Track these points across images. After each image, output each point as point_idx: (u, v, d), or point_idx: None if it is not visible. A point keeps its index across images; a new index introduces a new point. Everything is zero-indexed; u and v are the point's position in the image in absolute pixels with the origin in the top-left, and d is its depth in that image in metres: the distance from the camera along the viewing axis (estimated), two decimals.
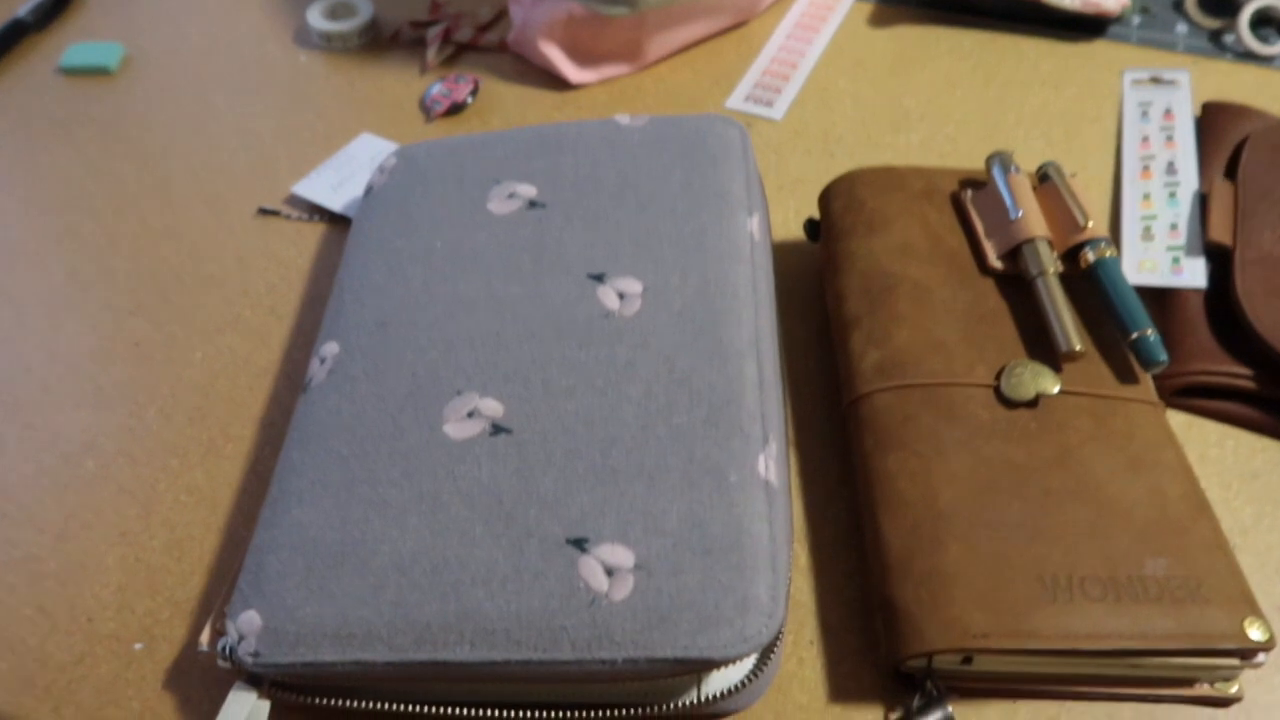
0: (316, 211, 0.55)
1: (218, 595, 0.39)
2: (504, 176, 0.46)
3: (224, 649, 0.34)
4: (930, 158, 0.55)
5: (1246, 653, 0.32)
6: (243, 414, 0.46)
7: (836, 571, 0.39)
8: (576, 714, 0.34)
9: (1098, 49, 0.61)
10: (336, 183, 0.56)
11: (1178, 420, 0.43)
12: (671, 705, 0.33)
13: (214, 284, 0.52)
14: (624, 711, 0.33)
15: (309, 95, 0.63)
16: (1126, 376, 0.40)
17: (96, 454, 0.44)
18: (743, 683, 0.33)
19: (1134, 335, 0.39)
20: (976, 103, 0.59)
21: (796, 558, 0.39)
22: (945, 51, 0.62)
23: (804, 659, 0.36)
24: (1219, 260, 0.46)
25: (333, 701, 0.34)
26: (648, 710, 0.33)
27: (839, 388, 0.44)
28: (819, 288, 0.49)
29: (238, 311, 0.50)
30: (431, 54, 0.64)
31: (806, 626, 0.37)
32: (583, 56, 0.61)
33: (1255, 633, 0.32)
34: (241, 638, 0.33)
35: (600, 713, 0.33)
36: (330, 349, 0.41)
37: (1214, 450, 0.42)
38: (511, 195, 0.45)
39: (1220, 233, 0.46)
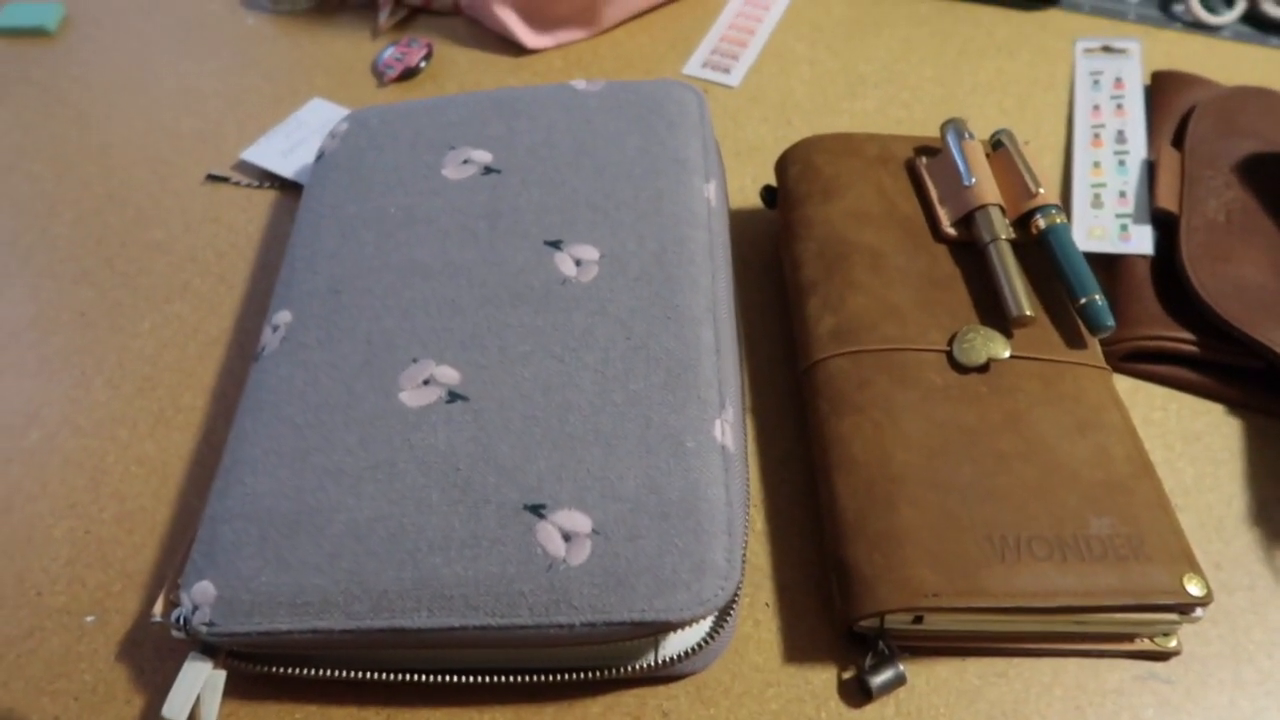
0: (267, 178, 0.54)
1: (170, 567, 0.39)
2: (459, 142, 0.45)
3: (178, 619, 0.33)
4: (886, 124, 0.56)
5: (1185, 608, 0.33)
6: (193, 384, 0.45)
7: (793, 535, 0.39)
8: (536, 678, 0.34)
9: (1051, 17, 0.62)
10: (287, 148, 0.54)
11: (1124, 384, 0.44)
12: (630, 667, 0.34)
13: (161, 251, 0.50)
14: (583, 674, 0.34)
15: (257, 59, 0.61)
16: (1075, 341, 0.40)
17: (41, 425, 0.43)
18: (700, 645, 0.34)
19: (1082, 300, 0.40)
20: (932, 69, 0.59)
21: (753, 522, 0.40)
22: (902, 18, 0.62)
23: (760, 621, 0.37)
24: (1165, 227, 0.47)
25: (289, 670, 0.34)
26: (607, 673, 0.34)
27: (796, 353, 0.44)
28: (777, 255, 0.49)
29: (186, 279, 0.49)
30: (383, 17, 0.62)
31: (763, 589, 0.38)
32: (538, 20, 0.60)
33: (1194, 588, 0.33)
34: (196, 608, 0.33)
35: (559, 676, 0.34)
36: (283, 317, 0.40)
37: (1158, 413, 0.43)
38: (466, 161, 0.44)
39: (1167, 200, 0.47)
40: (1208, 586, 0.33)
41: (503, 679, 0.34)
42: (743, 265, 0.49)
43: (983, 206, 0.42)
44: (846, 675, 0.36)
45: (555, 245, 0.40)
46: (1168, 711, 0.35)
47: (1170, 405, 0.43)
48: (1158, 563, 0.34)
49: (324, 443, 0.36)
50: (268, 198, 0.53)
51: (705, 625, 0.34)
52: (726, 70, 0.59)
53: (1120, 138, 0.52)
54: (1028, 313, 0.39)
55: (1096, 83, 0.56)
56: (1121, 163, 0.51)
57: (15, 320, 0.47)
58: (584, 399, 0.36)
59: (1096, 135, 0.53)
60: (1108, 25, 0.61)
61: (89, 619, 0.38)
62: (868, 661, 0.35)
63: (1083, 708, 0.35)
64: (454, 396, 0.36)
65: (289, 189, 0.53)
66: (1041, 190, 0.43)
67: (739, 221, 0.51)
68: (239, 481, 0.35)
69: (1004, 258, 0.41)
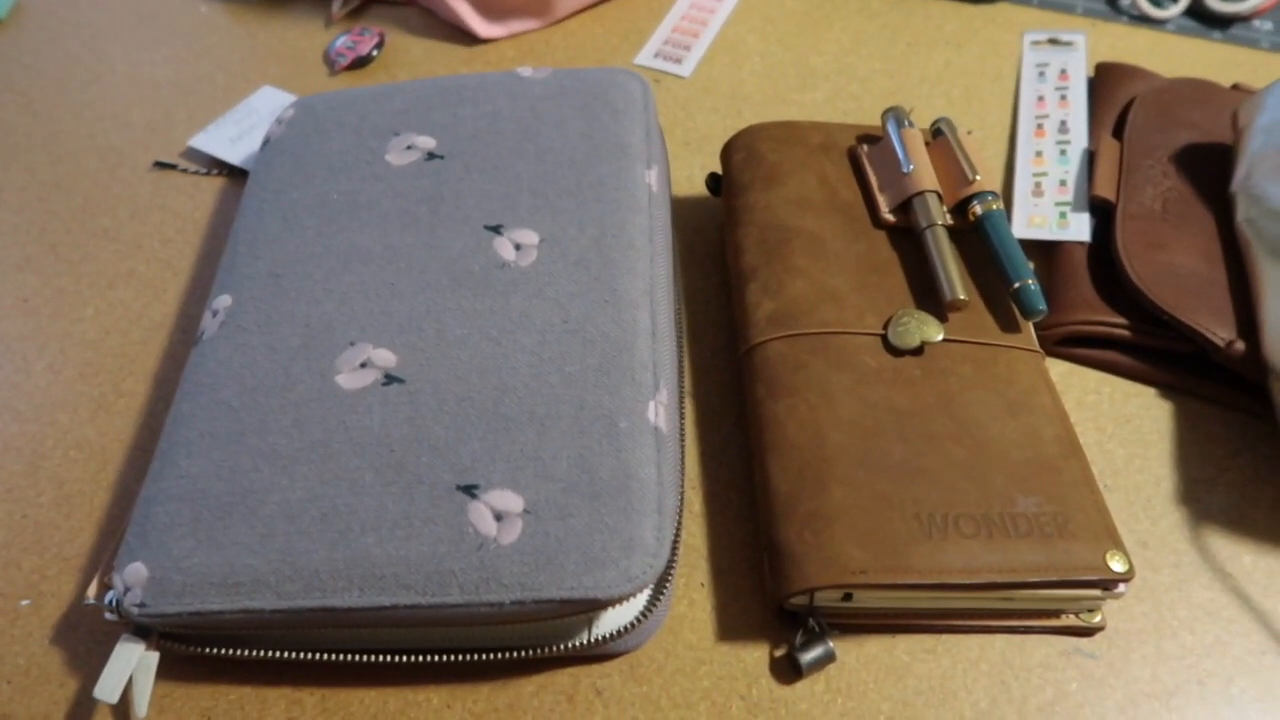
0: (215, 165, 0.54)
1: (107, 551, 0.39)
2: (403, 128, 0.45)
3: (110, 601, 0.33)
4: (835, 115, 0.56)
5: (1108, 583, 0.34)
6: (135, 369, 0.45)
7: (729, 516, 0.40)
8: (470, 657, 0.34)
9: (1000, 10, 0.63)
10: (236, 136, 0.54)
11: (1059, 369, 0.45)
12: (564, 646, 0.34)
13: (106, 238, 0.50)
14: (518, 653, 0.34)
15: (209, 47, 0.61)
16: (1009, 325, 0.41)
17: None
18: (633, 623, 0.34)
19: (1015, 285, 0.40)
20: (882, 61, 0.59)
21: (690, 503, 0.40)
22: (853, 11, 0.63)
23: (695, 600, 0.37)
24: (1103, 215, 0.48)
25: (222, 651, 0.34)
26: (541, 651, 0.34)
27: (736, 338, 0.45)
28: (721, 241, 0.50)
29: (131, 265, 0.49)
30: (337, 6, 0.62)
31: (698, 569, 0.38)
32: (491, 10, 0.60)
33: (1116, 564, 0.34)
34: (128, 589, 0.33)
35: (494, 655, 0.34)
36: (223, 301, 0.40)
37: (1091, 396, 0.44)
38: (410, 147, 0.44)
39: (1105, 189, 0.48)
40: (1130, 563, 0.34)
41: (437, 659, 0.34)
42: (689, 253, 0.49)
43: (920, 193, 0.43)
44: (778, 653, 0.36)
45: (495, 230, 0.41)
46: (1091, 685, 0.35)
47: (1104, 389, 0.44)
48: (1082, 540, 0.34)
49: (259, 425, 0.36)
50: (215, 185, 0.53)
51: (639, 603, 0.35)
52: (678, 61, 0.60)
53: (1063, 128, 0.53)
54: (961, 296, 0.40)
55: (1042, 74, 0.57)
56: (1063, 152, 0.52)
57: None
58: (519, 381, 0.36)
59: (1040, 125, 0.54)
60: (1056, 18, 0.62)
61: (24, 603, 0.38)
62: (798, 639, 0.35)
63: (1008, 682, 0.35)
64: (390, 379, 0.36)
65: (237, 176, 0.53)
66: (978, 177, 0.43)
67: (687, 210, 0.51)
68: (174, 463, 0.35)
69: (940, 243, 0.42)
